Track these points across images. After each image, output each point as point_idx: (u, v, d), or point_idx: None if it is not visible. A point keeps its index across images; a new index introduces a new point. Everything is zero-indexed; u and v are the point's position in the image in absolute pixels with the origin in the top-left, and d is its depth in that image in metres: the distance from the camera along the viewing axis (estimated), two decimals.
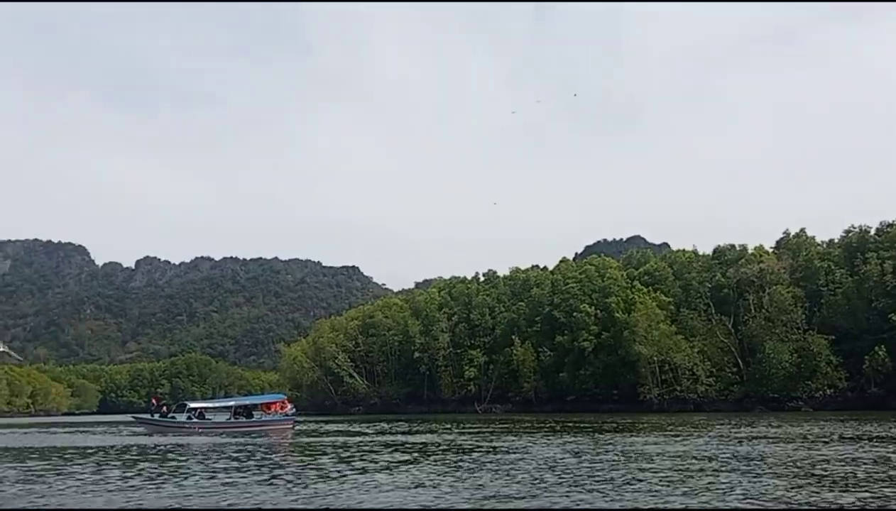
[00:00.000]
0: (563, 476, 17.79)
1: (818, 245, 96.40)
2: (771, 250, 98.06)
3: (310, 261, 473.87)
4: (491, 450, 27.71)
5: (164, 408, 57.11)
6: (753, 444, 28.82)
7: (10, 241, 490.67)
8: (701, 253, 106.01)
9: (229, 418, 52.72)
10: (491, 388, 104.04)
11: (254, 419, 52.00)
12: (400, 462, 23.04)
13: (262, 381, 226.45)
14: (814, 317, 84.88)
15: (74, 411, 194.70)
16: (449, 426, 52.01)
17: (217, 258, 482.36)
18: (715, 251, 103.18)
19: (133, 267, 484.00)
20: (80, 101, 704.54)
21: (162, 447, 33.84)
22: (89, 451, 32.28)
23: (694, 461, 21.44)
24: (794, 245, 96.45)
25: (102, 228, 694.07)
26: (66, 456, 28.93)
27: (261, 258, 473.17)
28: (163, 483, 17.73)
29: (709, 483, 15.96)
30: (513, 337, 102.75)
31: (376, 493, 15.15)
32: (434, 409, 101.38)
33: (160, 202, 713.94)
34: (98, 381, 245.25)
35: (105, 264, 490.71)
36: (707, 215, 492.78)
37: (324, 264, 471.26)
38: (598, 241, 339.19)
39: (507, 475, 18.22)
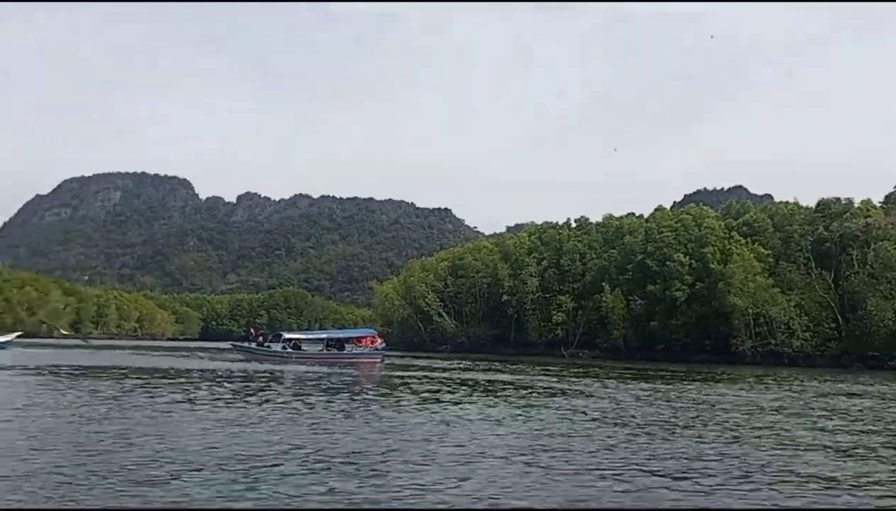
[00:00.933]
0: (624, 420, 18.08)
1: None
2: (879, 205, 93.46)
3: (404, 202, 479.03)
4: (563, 392, 28.18)
5: (261, 337, 59.80)
6: (831, 397, 28.34)
7: (120, 173, 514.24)
8: (804, 205, 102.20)
9: (322, 350, 54.61)
10: (578, 333, 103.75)
11: (345, 352, 53.68)
12: (473, 399, 23.77)
13: (355, 316, 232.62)
14: None
15: (178, 337, 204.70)
16: (531, 368, 52.64)
17: (315, 196, 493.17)
18: (819, 204, 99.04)
19: (234, 202, 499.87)
20: (190, 43, 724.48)
21: (257, 373, 35.70)
22: (187, 372, 34.40)
23: (759, 411, 21.35)
24: None
25: (206, 164, 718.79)
26: (164, 377, 30.95)
27: (356, 197, 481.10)
28: (250, 406, 18.89)
29: (761, 432, 15.97)
30: (603, 284, 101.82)
31: (441, 426, 15.81)
32: (520, 352, 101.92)
33: (260, 139, 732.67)
34: (200, 309, 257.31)
35: (208, 198, 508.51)
36: (812, 167, 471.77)
37: (417, 205, 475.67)
38: (699, 191, 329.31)
39: (569, 416, 18.64)
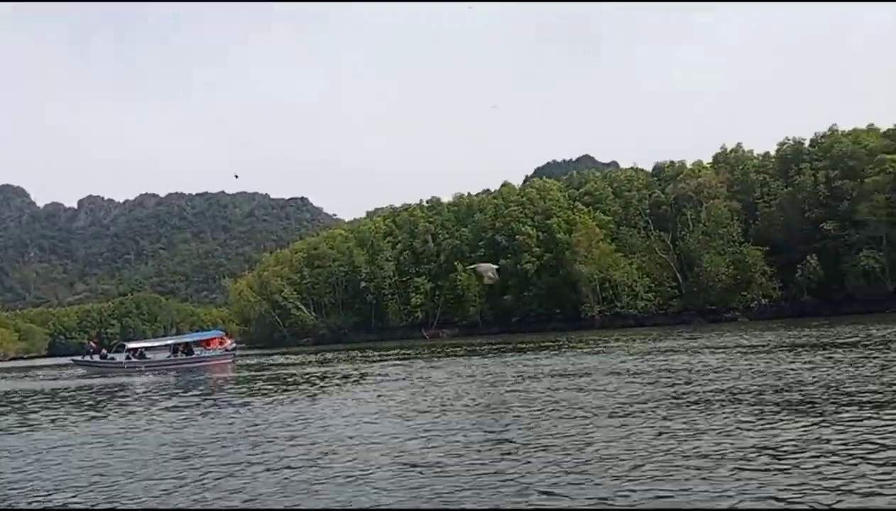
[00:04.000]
0: (425, 400, 18.45)
1: (754, 158, 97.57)
2: (709, 165, 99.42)
3: (257, 193, 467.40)
4: (383, 376, 28.59)
5: (104, 350, 57.46)
6: (641, 356, 29.93)
7: None
8: (641, 170, 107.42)
9: (169, 356, 53.01)
10: (438, 313, 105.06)
11: (193, 356, 52.31)
12: (293, 392, 23.66)
13: (213, 317, 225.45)
14: (750, 229, 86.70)
15: (23, 355, 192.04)
16: (378, 354, 52.59)
17: (162, 194, 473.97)
18: (654, 168, 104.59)
19: (76, 207, 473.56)
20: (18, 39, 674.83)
21: (101, 388, 34.22)
22: (20, 395, 32.39)
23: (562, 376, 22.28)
24: (731, 159, 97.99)
25: (42, 169, 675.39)
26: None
27: (206, 192, 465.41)
28: (90, 421, 18.02)
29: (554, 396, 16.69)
30: (456, 263, 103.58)
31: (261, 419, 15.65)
32: (382, 337, 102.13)
33: (100, 140, 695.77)
34: (46, 324, 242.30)
35: (47, 205, 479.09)
36: (653, 134, 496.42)
37: (272, 196, 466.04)
38: (548, 163, 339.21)
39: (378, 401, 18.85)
